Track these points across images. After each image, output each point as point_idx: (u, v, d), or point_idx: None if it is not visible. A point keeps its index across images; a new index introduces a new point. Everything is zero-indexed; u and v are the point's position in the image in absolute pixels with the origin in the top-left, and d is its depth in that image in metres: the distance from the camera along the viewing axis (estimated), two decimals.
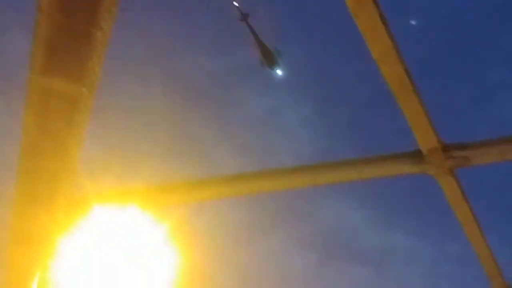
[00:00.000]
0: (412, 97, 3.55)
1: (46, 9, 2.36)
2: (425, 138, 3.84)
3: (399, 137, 4.18)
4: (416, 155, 4.00)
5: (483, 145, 4.05)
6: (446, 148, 3.91)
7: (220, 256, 5.77)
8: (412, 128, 3.77)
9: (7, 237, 3.44)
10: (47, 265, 3.89)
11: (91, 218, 3.95)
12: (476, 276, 5.18)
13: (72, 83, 2.67)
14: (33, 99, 2.70)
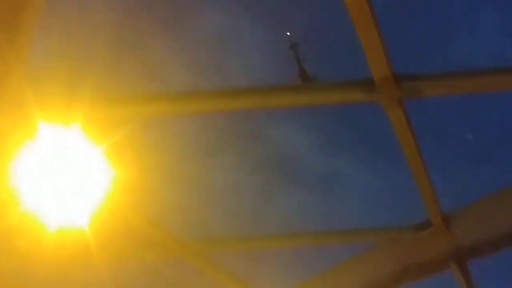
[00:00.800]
0: (369, 24, 3.53)
1: None
2: (378, 67, 3.86)
3: (354, 65, 4.19)
4: (368, 83, 4.04)
5: (434, 77, 4.12)
6: (397, 78, 3.95)
7: (168, 172, 5.82)
8: (367, 55, 3.77)
9: None
10: None
11: (35, 134, 3.85)
12: (415, 205, 5.43)
13: None
14: None
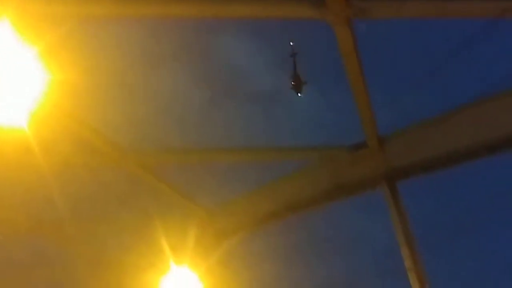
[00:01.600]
0: None
1: None
2: None
3: None
4: (318, 0, 4.01)
5: None
6: None
7: (110, 79, 5.61)
8: None
9: None
10: None
11: None
12: (354, 126, 5.57)
13: None
14: None
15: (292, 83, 5.93)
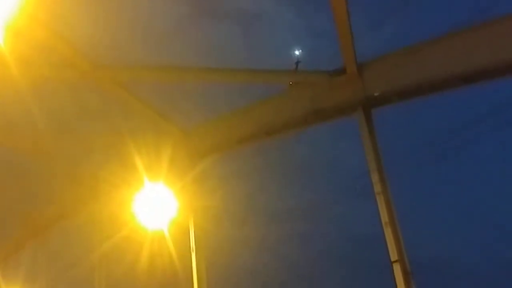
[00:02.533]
0: None
1: None
2: None
3: None
4: None
5: None
6: None
7: (78, 9, 5.37)
8: None
9: None
10: None
11: None
12: (334, 52, 5.56)
13: None
14: None
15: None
